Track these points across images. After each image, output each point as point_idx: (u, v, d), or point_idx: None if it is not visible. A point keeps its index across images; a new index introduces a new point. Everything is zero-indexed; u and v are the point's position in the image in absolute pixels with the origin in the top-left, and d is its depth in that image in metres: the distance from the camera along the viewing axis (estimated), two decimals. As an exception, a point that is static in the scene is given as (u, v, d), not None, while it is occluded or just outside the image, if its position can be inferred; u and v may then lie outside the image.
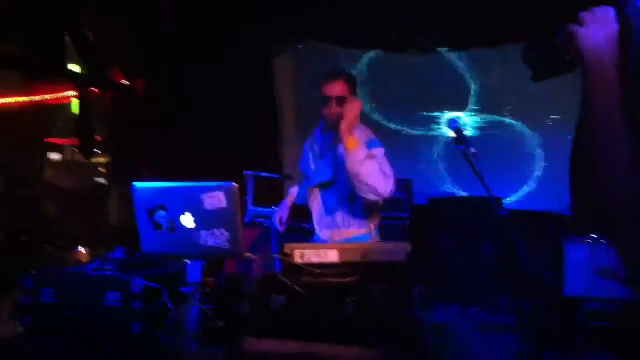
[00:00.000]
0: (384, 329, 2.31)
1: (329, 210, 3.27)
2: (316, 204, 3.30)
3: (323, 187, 3.28)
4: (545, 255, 4.65)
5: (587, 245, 4.60)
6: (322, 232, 3.27)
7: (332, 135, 3.27)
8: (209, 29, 6.53)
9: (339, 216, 3.23)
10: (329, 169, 3.22)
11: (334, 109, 3.18)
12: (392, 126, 7.48)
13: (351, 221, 3.22)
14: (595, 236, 4.56)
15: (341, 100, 3.16)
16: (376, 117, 7.47)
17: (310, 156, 3.44)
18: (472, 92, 7.37)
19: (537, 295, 4.48)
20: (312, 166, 3.40)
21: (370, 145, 3.15)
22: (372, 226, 3.25)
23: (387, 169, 3.07)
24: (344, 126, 3.04)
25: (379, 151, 3.15)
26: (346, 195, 3.20)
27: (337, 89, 3.19)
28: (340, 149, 3.13)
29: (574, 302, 4.56)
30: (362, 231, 3.21)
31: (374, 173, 2.96)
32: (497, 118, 7.27)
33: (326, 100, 3.20)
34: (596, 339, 4.32)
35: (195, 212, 2.22)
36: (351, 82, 3.27)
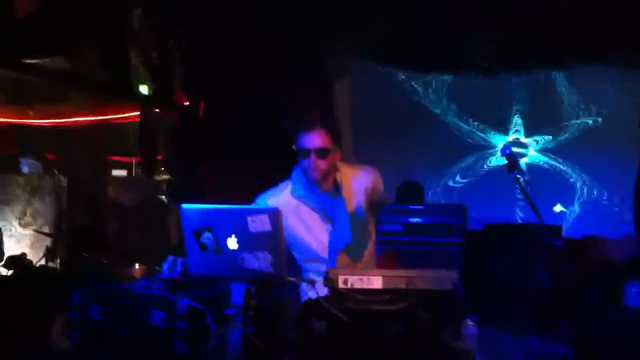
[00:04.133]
0: (433, 359, 2.27)
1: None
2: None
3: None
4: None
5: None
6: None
7: (331, 197, 2.99)
8: (269, 51, 6.61)
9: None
10: (346, 233, 2.96)
11: (314, 162, 2.85)
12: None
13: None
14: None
15: (321, 153, 2.85)
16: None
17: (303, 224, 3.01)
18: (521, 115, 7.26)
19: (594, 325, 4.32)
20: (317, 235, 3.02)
21: (382, 195, 3.09)
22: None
23: None
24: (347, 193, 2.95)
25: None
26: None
27: (317, 139, 2.84)
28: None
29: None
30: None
31: None
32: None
33: (302, 152, 2.87)
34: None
35: (239, 234, 2.23)
36: (333, 132, 2.92)
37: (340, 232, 2.97)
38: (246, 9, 6.29)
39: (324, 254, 2.97)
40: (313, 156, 2.85)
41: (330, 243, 2.97)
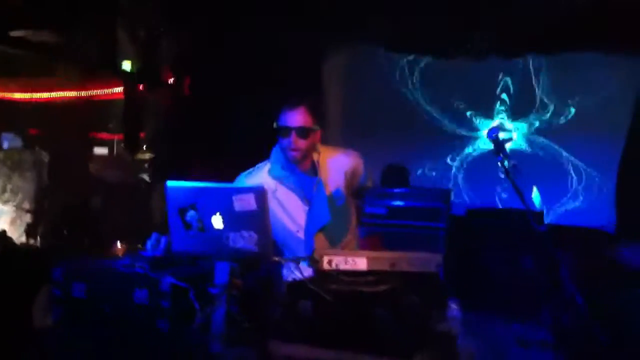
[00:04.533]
0: (418, 340, 2.28)
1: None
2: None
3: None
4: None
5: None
6: None
7: (310, 177, 2.99)
8: (259, 29, 6.56)
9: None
10: (323, 214, 2.94)
11: (295, 142, 2.85)
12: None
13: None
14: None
15: (302, 132, 2.86)
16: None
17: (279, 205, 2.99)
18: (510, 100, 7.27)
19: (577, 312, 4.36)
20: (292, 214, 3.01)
21: (363, 179, 3.07)
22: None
23: None
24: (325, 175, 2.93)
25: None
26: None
27: (299, 118, 2.86)
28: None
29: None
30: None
31: None
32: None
33: (282, 130, 2.86)
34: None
35: (225, 213, 2.22)
36: (315, 111, 2.93)
37: (317, 213, 2.95)
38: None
39: (301, 234, 2.97)
40: (294, 135, 2.85)
41: (307, 223, 2.96)
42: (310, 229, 2.95)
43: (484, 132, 7.10)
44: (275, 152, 3.02)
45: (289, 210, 2.97)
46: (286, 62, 6.51)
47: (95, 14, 6.14)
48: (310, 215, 2.96)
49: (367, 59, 7.54)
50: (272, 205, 2.90)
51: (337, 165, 3.01)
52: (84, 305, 2.41)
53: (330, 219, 2.95)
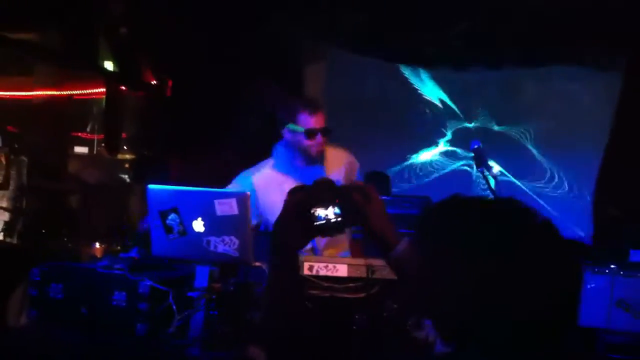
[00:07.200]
0: (395, 348, 2.29)
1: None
2: None
3: None
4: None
5: (606, 275, 4.52)
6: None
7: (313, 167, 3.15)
8: (242, 30, 6.54)
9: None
10: None
11: (319, 141, 3.07)
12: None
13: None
14: (615, 266, 4.47)
15: (327, 132, 3.09)
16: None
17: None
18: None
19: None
20: None
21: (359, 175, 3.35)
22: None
23: None
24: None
25: None
26: None
27: (321, 120, 3.09)
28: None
29: (592, 333, 4.47)
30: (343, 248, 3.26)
31: None
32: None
33: (311, 132, 3.05)
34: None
35: (206, 217, 2.22)
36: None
37: None
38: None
39: None
40: (319, 135, 3.03)
41: None
42: None
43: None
44: (277, 151, 3.19)
45: None
46: (270, 64, 6.50)
47: (76, 12, 6.08)
48: None
49: (346, 62, 7.56)
50: (278, 199, 2.96)
51: (337, 158, 3.22)
52: (61, 306, 2.39)
53: None
